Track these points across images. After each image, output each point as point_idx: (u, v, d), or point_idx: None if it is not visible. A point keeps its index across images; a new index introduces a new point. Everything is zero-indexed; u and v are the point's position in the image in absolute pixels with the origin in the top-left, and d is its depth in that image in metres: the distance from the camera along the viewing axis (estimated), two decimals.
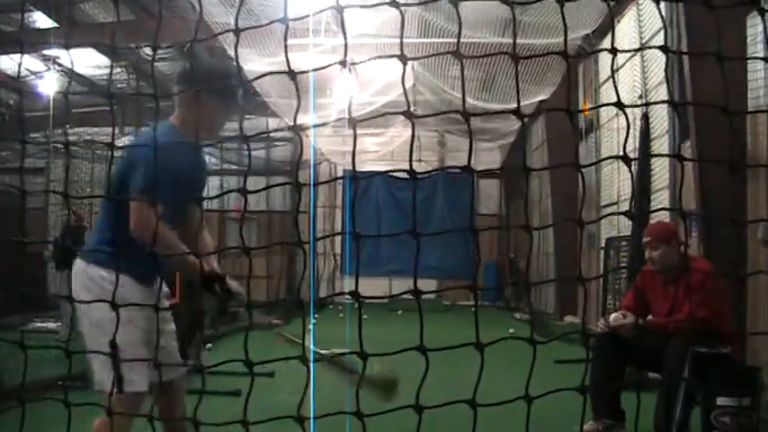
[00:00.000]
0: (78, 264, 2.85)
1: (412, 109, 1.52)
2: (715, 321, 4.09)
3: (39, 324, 10.40)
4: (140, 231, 2.59)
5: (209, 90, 2.77)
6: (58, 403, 1.93)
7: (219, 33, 1.83)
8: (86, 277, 2.78)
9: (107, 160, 13.96)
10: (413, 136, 1.50)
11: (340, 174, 18.47)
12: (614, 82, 1.71)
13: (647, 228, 4.68)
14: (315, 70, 1.49)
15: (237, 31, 1.46)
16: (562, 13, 1.35)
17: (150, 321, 2.68)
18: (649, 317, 4.48)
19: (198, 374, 3.04)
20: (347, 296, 1.73)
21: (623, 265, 9.18)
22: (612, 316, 4.49)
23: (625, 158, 1.53)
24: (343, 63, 1.43)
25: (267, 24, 1.53)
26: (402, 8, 1.33)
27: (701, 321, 4.07)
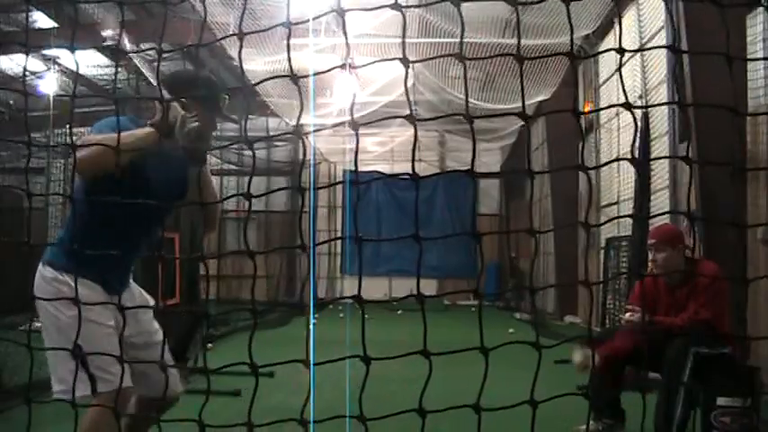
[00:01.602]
0: (39, 266, 2.80)
1: (412, 109, 1.52)
2: (716, 322, 4.10)
3: (38, 324, 10.38)
4: (83, 163, 2.42)
5: (189, 98, 2.71)
6: (58, 403, 1.93)
7: (224, 37, 1.83)
8: (42, 279, 2.74)
9: None
10: (415, 139, 1.50)
11: (340, 174, 18.47)
12: (622, 82, 1.71)
13: (652, 230, 4.65)
14: (317, 74, 1.48)
15: (241, 35, 1.46)
16: (568, 13, 1.34)
17: (113, 320, 2.62)
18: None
19: (200, 375, 3.03)
20: (348, 297, 1.73)
21: (623, 264, 9.18)
22: (627, 315, 4.48)
23: (633, 160, 1.53)
24: (343, 66, 1.43)
25: (269, 29, 1.53)
26: (403, 9, 1.33)
27: (704, 322, 4.07)
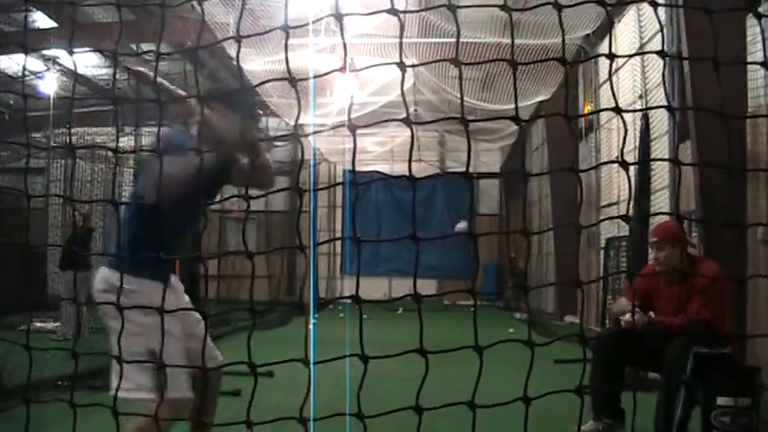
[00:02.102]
0: (101, 270, 2.85)
1: (412, 109, 1.54)
2: (716, 322, 4.10)
3: (38, 324, 10.42)
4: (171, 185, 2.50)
5: (228, 107, 2.79)
6: (58, 403, 1.94)
7: (222, 40, 1.84)
8: (107, 284, 2.75)
9: (107, 160, 13.95)
10: (412, 141, 1.51)
11: (340, 174, 18.48)
12: (612, 89, 1.72)
13: (653, 228, 4.63)
14: (317, 76, 1.49)
15: (239, 38, 1.47)
16: (560, 20, 1.35)
17: (178, 326, 2.73)
18: (651, 312, 4.48)
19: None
20: (347, 297, 1.74)
21: (623, 264, 9.18)
22: (623, 302, 4.48)
23: (623, 163, 1.53)
24: (343, 68, 1.44)
25: (269, 32, 1.54)
26: (401, 14, 1.33)
27: (704, 322, 4.07)
